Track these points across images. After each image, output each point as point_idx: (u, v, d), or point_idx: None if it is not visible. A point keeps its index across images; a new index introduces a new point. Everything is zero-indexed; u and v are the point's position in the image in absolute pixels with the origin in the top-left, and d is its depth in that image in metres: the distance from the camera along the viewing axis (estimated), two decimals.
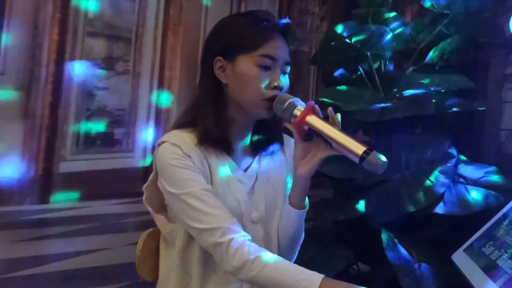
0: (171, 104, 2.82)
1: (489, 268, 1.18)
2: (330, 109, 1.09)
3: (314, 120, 1.07)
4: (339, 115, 1.08)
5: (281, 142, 1.28)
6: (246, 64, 1.13)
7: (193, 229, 1.10)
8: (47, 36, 2.30)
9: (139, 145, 2.71)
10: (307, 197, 1.20)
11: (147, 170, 2.65)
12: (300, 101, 1.11)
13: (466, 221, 1.72)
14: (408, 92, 1.98)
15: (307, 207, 1.20)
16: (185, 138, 1.14)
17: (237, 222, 1.11)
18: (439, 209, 1.79)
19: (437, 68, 2.19)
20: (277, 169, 1.26)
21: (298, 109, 1.09)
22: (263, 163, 1.24)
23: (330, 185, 2.25)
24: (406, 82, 2.08)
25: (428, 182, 1.77)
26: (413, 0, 2.66)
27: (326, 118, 1.09)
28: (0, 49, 2.15)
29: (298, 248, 1.26)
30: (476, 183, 1.86)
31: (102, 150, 2.56)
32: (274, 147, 1.26)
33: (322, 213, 1.97)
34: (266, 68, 1.13)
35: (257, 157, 1.24)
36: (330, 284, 1.00)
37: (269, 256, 1.06)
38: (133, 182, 2.57)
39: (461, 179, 1.87)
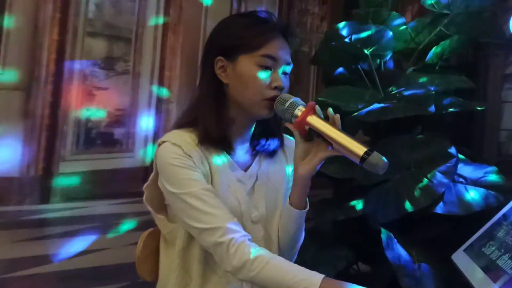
0: (171, 104, 2.82)
1: (489, 268, 1.18)
2: (329, 110, 1.09)
3: (315, 121, 1.08)
4: (338, 116, 1.08)
5: (281, 142, 1.28)
6: (247, 64, 1.13)
7: (194, 228, 1.10)
8: (47, 36, 2.30)
9: (139, 145, 2.70)
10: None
11: (147, 170, 2.65)
12: (301, 102, 1.11)
13: (466, 221, 1.72)
14: (408, 92, 1.98)
15: (308, 207, 1.20)
16: (185, 138, 1.14)
17: (237, 222, 1.11)
18: (439, 209, 1.79)
19: (437, 68, 2.19)
20: (278, 169, 1.26)
21: (299, 109, 1.09)
22: (263, 163, 1.24)
23: (330, 185, 2.25)
24: (406, 82, 2.08)
25: (428, 182, 1.78)
26: (413, 0, 2.67)
27: (327, 119, 1.09)
28: (0, 49, 2.15)
29: (298, 248, 1.26)
30: (476, 183, 1.86)
31: (102, 150, 2.56)
32: (275, 147, 1.26)
33: (322, 213, 1.97)
34: (267, 68, 1.14)
35: (257, 157, 1.24)
36: (330, 284, 1.00)
37: (269, 256, 1.06)
38: (133, 182, 2.57)
39: (461, 179, 1.87)
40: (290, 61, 1.18)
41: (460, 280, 1.30)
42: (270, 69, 1.14)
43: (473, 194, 1.82)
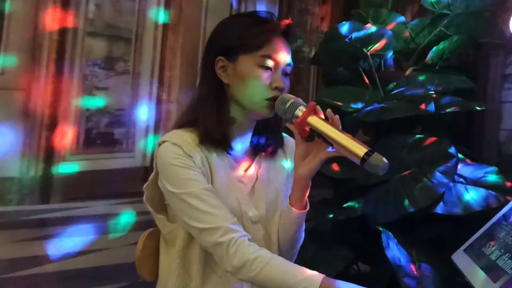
0: (171, 104, 2.82)
1: (489, 268, 1.17)
2: (329, 111, 1.09)
3: (315, 121, 1.08)
4: (337, 117, 1.08)
5: (281, 143, 1.28)
6: (247, 64, 1.13)
7: (194, 228, 1.11)
8: (47, 36, 2.30)
9: (139, 145, 2.70)
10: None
11: (147, 170, 2.65)
12: (302, 102, 1.11)
13: (466, 221, 1.72)
14: (408, 92, 1.99)
15: (308, 208, 1.20)
16: (186, 138, 1.14)
17: (238, 222, 1.11)
18: (439, 209, 1.78)
19: (437, 68, 2.19)
20: (278, 170, 1.26)
21: (299, 109, 1.09)
22: (263, 163, 1.24)
23: (330, 185, 2.25)
24: (406, 82, 2.08)
25: (427, 182, 1.77)
26: (413, 0, 2.67)
27: (327, 119, 1.09)
28: (0, 49, 2.15)
29: (298, 248, 1.26)
30: (476, 183, 1.86)
31: (102, 150, 2.56)
32: (275, 147, 1.26)
33: (322, 213, 1.97)
34: (267, 68, 1.14)
35: (257, 157, 1.24)
36: (330, 284, 1.00)
37: (269, 256, 1.06)
38: (133, 182, 2.57)
39: (461, 179, 1.87)
40: (291, 61, 1.18)
41: (460, 280, 1.30)
42: (271, 69, 1.14)
43: (473, 194, 1.81)
